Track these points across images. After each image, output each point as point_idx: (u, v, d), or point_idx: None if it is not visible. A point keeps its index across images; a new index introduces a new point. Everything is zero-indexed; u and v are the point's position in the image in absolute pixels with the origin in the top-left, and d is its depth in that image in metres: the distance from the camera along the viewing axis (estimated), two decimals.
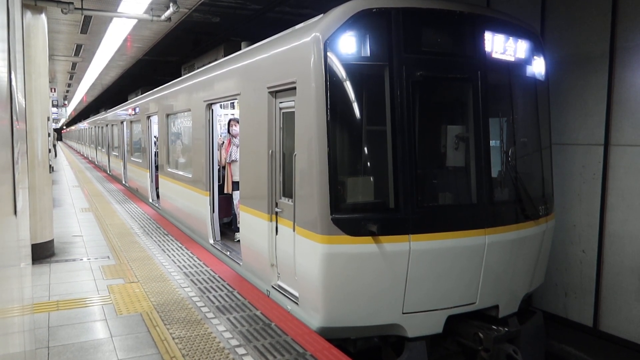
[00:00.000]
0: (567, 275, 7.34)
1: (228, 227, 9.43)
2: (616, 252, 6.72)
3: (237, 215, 7.85)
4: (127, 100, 18.72)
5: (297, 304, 5.31)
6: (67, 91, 27.90)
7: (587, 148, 7.00)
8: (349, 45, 4.79)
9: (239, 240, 7.51)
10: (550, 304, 7.58)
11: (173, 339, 4.74)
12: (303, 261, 5.09)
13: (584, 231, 7.09)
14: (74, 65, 16.56)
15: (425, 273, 4.92)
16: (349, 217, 4.74)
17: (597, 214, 6.90)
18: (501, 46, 5.42)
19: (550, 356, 6.92)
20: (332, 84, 4.74)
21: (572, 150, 7.19)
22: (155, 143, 13.37)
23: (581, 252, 7.14)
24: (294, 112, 5.28)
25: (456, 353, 5.50)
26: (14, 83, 2.52)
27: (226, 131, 9.44)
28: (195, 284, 6.42)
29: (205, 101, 8.16)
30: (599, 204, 6.87)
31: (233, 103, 10.69)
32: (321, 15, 5.08)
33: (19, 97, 3.06)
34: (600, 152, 6.82)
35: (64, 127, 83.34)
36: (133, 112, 15.76)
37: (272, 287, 5.91)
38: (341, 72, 4.81)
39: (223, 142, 9.01)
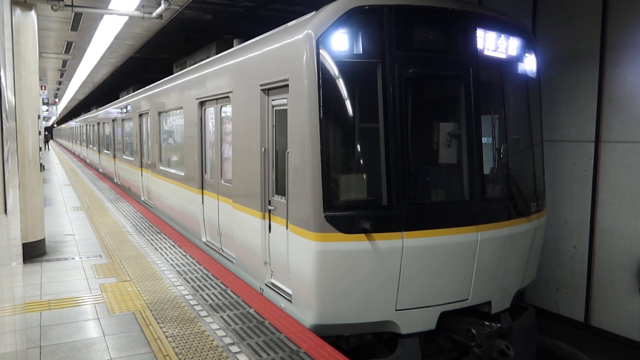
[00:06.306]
0: (558, 271, 7.40)
1: None
2: (607, 248, 6.78)
3: None
4: (118, 98, 18.60)
5: (290, 301, 5.31)
6: (58, 89, 27.67)
7: (578, 145, 7.05)
8: (341, 43, 4.79)
9: None
10: (542, 299, 7.63)
11: (166, 337, 4.73)
12: (296, 259, 5.09)
13: (575, 227, 7.15)
14: (64, 62, 16.42)
15: (418, 270, 4.94)
16: (342, 214, 4.75)
17: (588, 210, 6.96)
18: (493, 43, 5.45)
19: (542, 351, 6.98)
20: (325, 81, 4.74)
21: (563, 147, 7.24)
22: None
23: (572, 248, 7.20)
24: (286, 109, 5.27)
25: (449, 349, 5.53)
26: (3, 80, 2.50)
27: None
28: (189, 282, 6.40)
29: (197, 99, 8.13)
30: (590, 201, 6.93)
31: None
32: (313, 12, 5.07)
33: (8, 95, 3.03)
34: (591, 148, 6.88)
35: (55, 125, 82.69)
36: (125, 110, 15.67)
37: (266, 284, 5.91)
38: (333, 69, 4.80)
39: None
